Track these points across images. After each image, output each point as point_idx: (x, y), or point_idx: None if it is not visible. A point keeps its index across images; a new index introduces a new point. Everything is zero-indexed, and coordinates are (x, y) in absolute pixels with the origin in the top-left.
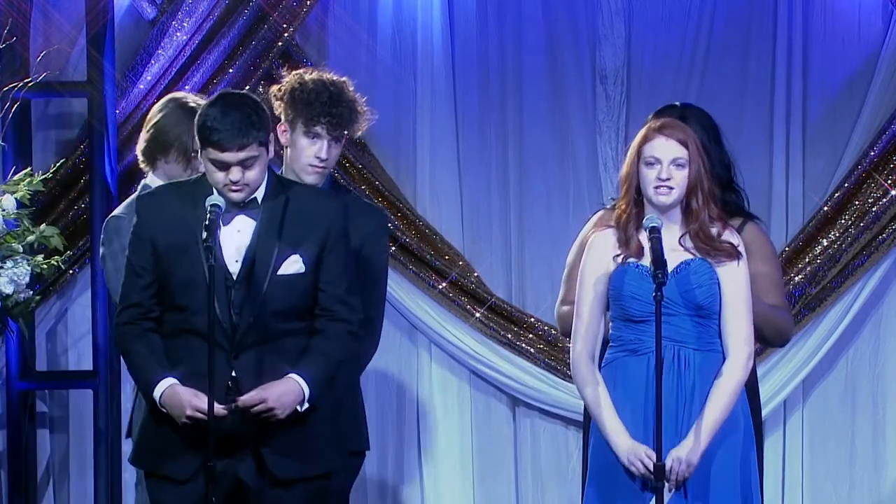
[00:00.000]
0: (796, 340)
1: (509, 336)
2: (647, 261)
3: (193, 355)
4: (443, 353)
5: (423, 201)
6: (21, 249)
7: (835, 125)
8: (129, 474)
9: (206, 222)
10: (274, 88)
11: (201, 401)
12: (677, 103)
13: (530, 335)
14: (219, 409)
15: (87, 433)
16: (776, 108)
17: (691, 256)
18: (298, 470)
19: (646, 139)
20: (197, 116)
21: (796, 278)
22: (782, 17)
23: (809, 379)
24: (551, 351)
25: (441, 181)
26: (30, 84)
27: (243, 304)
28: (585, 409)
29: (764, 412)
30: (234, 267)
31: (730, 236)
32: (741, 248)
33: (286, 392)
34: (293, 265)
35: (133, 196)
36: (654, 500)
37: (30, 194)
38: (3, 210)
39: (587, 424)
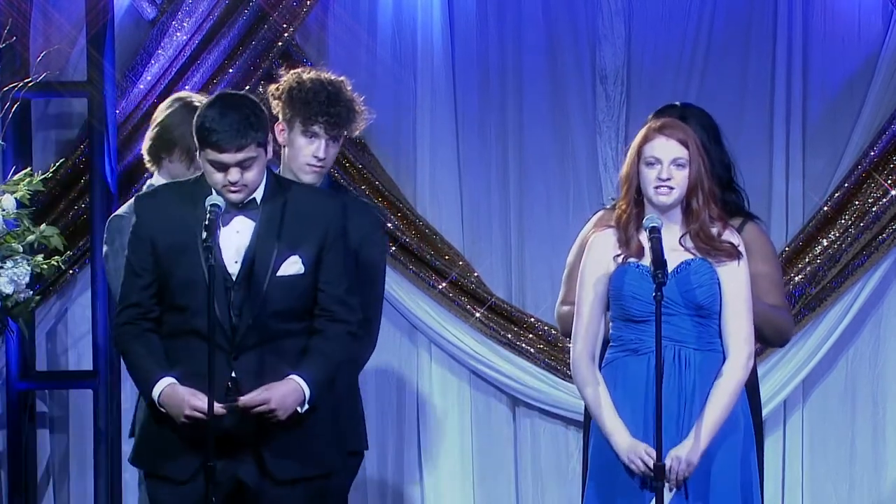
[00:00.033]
0: (796, 340)
1: (509, 336)
2: (647, 261)
3: (193, 356)
4: (443, 353)
5: (423, 201)
6: (21, 249)
7: (835, 125)
8: (129, 474)
9: (206, 222)
10: (272, 88)
11: (200, 400)
12: (677, 103)
13: (530, 335)
14: (218, 407)
15: (87, 433)
16: (776, 108)
17: (691, 256)
18: (298, 470)
19: (646, 139)
20: (195, 117)
21: (796, 278)
22: (782, 17)
23: (809, 379)
24: (551, 351)
25: (441, 181)
26: (30, 84)
27: (243, 305)
28: (586, 409)
29: (764, 412)
30: (234, 268)
31: (730, 236)
32: (741, 248)
33: (288, 394)
34: (292, 266)
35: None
36: (654, 500)
37: (30, 194)
38: (3, 210)
39: (587, 424)
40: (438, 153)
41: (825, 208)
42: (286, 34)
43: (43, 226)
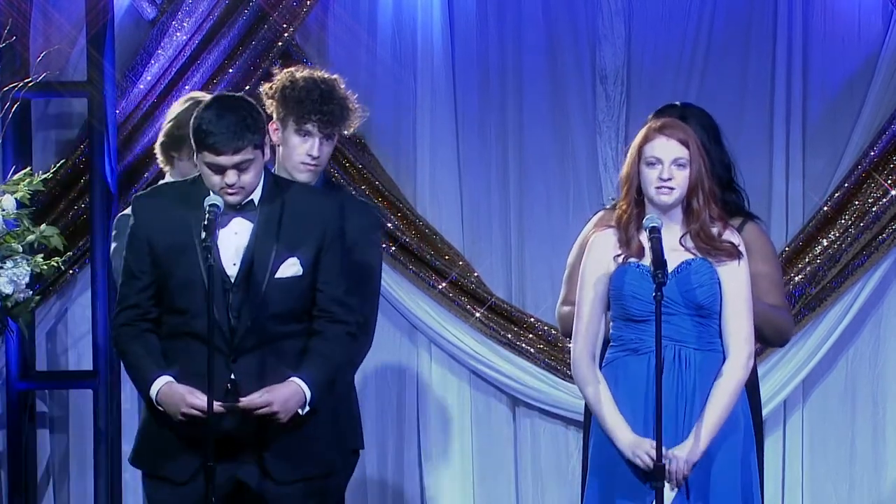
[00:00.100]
0: (796, 340)
1: (509, 336)
2: (647, 261)
3: (192, 358)
4: (443, 353)
5: (423, 201)
6: (21, 249)
7: (835, 125)
8: (129, 474)
9: (205, 222)
10: (265, 87)
11: (197, 398)
12: (677, 103)
13: (530, 335)
14: (217, 406)
15: (87, 433)
16: (776, 108)
17: (692, 256)
18: (299, 472)
19: (646, 139)
20: (192, 119)
21: (796, 278)
22: (782, 17)
23: (809, 379)
24: (551, 351)
25: (441, 181)
26: (30, 84)
27: (241, 307)
28: (586, 408)
29: (764, 412)
30: (232, 270)
31: (730, 236)
32: (742, 248)
33: (290, 396)
34: (291, 268)
35: None
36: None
37: (30, 194)
38: (3, 210)
39: (587, 423)
40: (438, 153)
41: (825, 208)
42: (286, 34)
43: (43, 226)
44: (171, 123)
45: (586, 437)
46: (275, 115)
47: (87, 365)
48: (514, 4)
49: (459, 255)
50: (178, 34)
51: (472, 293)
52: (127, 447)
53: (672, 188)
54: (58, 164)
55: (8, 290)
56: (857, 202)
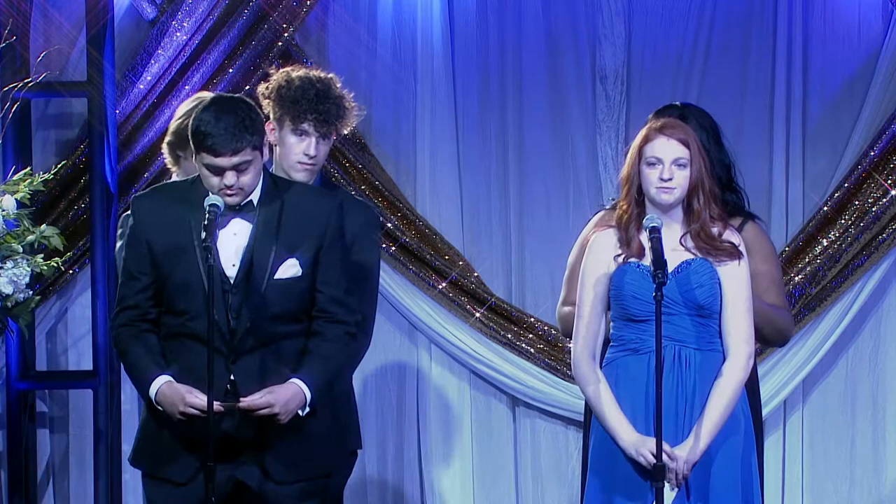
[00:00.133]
0: (796, 340)
1: (509, 336)
2: (648, 260)
3: (191, 358)
4: (443, 353)
5: (423, 201)
6: (21, 250)
7: (835, 125)
8: (129, 474)
9: (205, 222)
10: (261, 87)
11: (196, 397)
12: (677, 103)
13: (530, 335)
14: (216, 406)
15: (87, 433)
16: (776, 108)
17: (692, 256)
18: (299, 472)
19: (647, 139)
20: (190, 121)
21: (796, 278)
22: (782, 17)
23: (809, 379)
24: (551, 351)
25: (441, 181)
26: (30, 84)
27: (241, 308)
28: (586, 407)
29: (764, 412)
30: (231, 271)
31: (731, 236)
32: (742, 248)
33: (291, 398)
34: (290, 269)
35: None
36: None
37: (30, 194)
38: (3, 210)
39: (587, 422)
40: (438, 153)
41: (825, 208)
42: (286, 34)
43: (43, 226)
44: (177, 122)
45: (586, 436)
46: (271, 115)
47: (87, 365)
48: (514, 4)
49: (459, 255)
50: (178, 34)
51: (472, 293)
52: (127, 447)
53: (672, 188)
54: (58, 165)
55: (8, 290)
56: (857, 202)
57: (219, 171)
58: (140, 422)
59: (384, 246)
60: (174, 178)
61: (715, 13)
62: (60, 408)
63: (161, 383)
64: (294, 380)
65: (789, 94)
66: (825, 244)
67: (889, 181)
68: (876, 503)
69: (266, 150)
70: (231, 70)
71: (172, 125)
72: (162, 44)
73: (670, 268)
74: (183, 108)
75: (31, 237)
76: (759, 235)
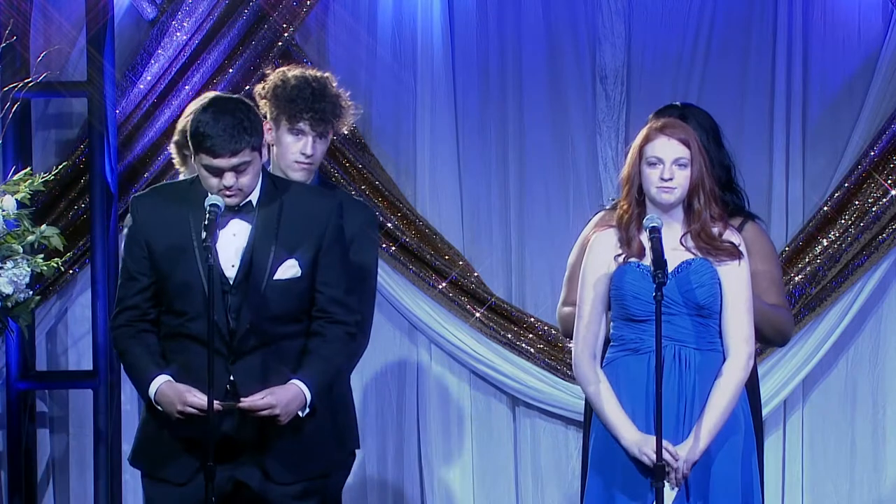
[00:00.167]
0: (796, 340)
1: (509, 336)
2: (648, 260)
3: (191, 359)
4: (443, 353)
5: (423, 201)
6: (21, 250)
7: (835, 125)
8: (129, 474)
9: (206, 222)
10: (258, 87)
11: (194, 395)
12: (677, 103)
13: (530, 335)
14: (216, 405)
15: (87, 433)
16: (776, 108)
17: (692, 256)
18: (300, 473)
19: (647, 139)
20: (189, 122)
21: (796, 278)
22: (782, 17)
23: (809, 379)
24: (551, 351)
25: (441, 181)
26: (30, 84)
27: (240, 308)
28: (586, 407)
29: (764, 412)
30: (231, 272)
31: (731, 236)
32: (742, 248)
33: (292, 400)
34: (290, 270)
35: None
36: (654, 499)
37: (30, 194)
38: (4, 210)
39: (587, 422)
40: (438, 153)
41: (825, 208)
42: (286, 34)
43: (43, 226)
44: (185, 122)
45: (586, 435)
46: (268, 115)
47: (87, 365)
48: (514, 4)
49: (459, 255)
50: (178, 34)
51: (472, 293)
52: (127, 447)
53: (673, 188)
54: (59, 165)
55: (8, 290)
56: (857, 202)
57: (217, 172)
58: (139, 422)
59: (384, 246)
60: (181, 177)
61: (715, 13)
62: (60, 408)
63: (160, 383)
64: (295, 381)
65: (789, 94)
66: (825, 244)
67: (889, 181)
68: (876, 503)
69: (265, 153)
70: (231, 70)
71: (180, 124)
72: (162, 44)
73: (670, 268)
74: (191, 108)
75: (31, 237)
76: (759, 235)
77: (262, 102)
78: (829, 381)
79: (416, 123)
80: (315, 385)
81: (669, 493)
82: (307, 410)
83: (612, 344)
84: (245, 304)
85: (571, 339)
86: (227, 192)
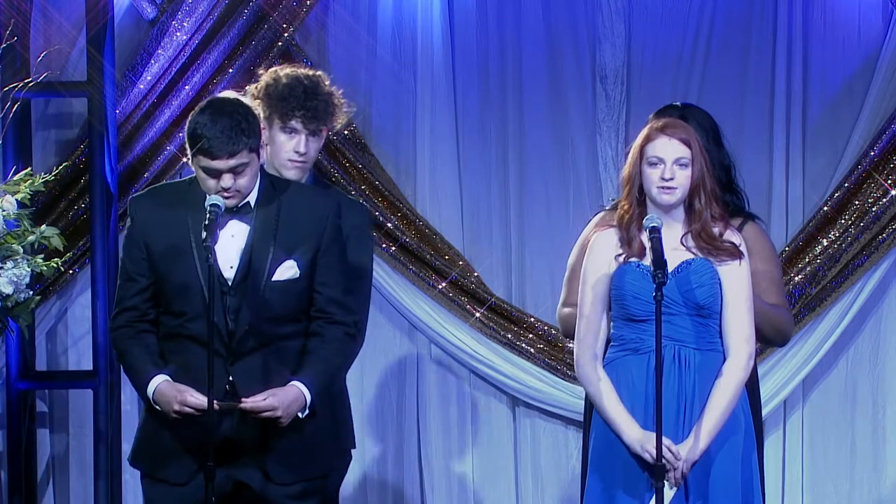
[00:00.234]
0: (796, 340)
1: (509, 336)
2: (648, 260)
3: (190, 360)
4: (443, 353)
5: (423, 201)
6: (21, 250)
7: (835, 125)
8: (129, 474)
9: (206, 222)
10: (251, 87)
11: (193, 396)
12: (678, 103)
13: (530, 335)
14: (215, 404)
15: (87, 433)
16: (776, 108)
17: (692, 256)
18: (299, 473)
19: (648, 139)
20: (187, 123)
21: (796, 278)
22: (782, 17)
23: (809, 379)
24: (551, 351)
25: (441, 181)
26: (30, 84)
27: (239, 309)
28: (586, 406)
29: (764, 412)
30: (229, 273)
31: (731, 236)
32: (743, 248)
33: (293, 401)
34: (288, 271)
35: None
36: (654, 499)
37: (30, 194)
38: (4, 210)
39: (587, 422)
40: (438, 153)
41: (825, 208)
42: (286, 34)
43: (43, 226)
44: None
45: (586, 435)
46: (261, 114)
47: (87, 365)
48: (514, 4)
49: (459, 255)
50: (178, 34)
51: (472, 293)
52: (127, 447)
53: (674, 188)
54: (59, 166)
55: (8, 290)
56: (857, 202)
57: (215, 174)
58: (139, 422)
59: (384, 246)
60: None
61: (715, 13)
62: (60, 408)
63: (159, 382)
64: (295, 382)
65: (789, 94)
66: (825, 244)
67: (889, 181)
68: (876, 503)
69: (263, 154)
70: (231, 70)
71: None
72: (162, 44)
73: (670, 267)
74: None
75: (31, 237)
76: (759, 235)
77: (255, 102)
78: (829, 381)
79: (416, 123)
80: (315, 386)
81: (669, 493)
82: (307, 412)
83: (612, 344)
84: (244, 305)
85: (572, 339)
86: (225, 194)
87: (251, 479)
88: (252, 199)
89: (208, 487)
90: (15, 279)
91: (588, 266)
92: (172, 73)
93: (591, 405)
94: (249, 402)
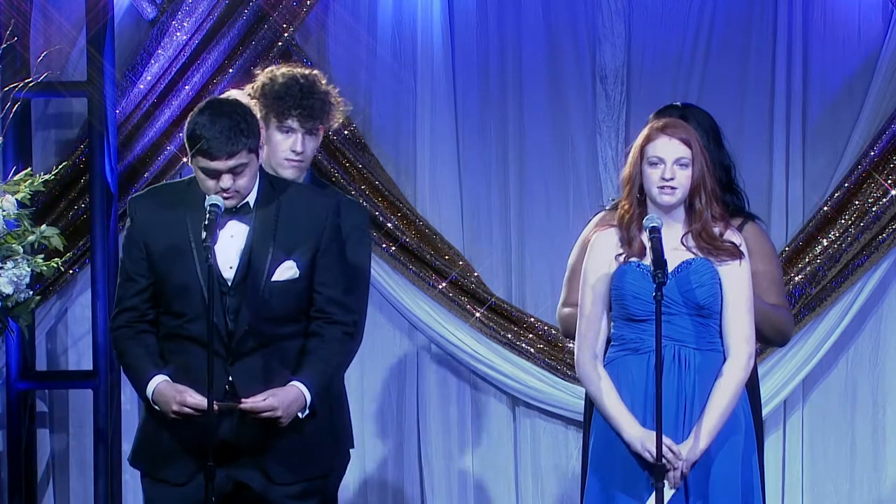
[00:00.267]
0: (796, 340)
1: (509, 336)
2: (648, 260)
3: (189, 360)
4: (443, 353)
5: (423, 201)
6: (21, 250)
7: (835, 125)
8: (129, 474)
9: (206, 222)
10: (248, 87)
11: (191, 396)
12: (678, 103)
13: (530, 335)
14: (214, 404)
15: (86, 433)
16: (776, 108)
17: (692, 256)
18: (300, 474)
19: (649, 139)
20: (186, 124)
21: (796, 278)
22: (782, 17)
23: (809, 379)
24: (551, 351)
25: (441, 181)
26: (30, 84)
27: (239, 310)
28: (585, 406)
29: (764, 412)
30: (229, 273)
31: (732, 236)
32: (743, 248)
33: (293, 402)
34: (288, 271)
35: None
36: (653, 499)
37: (30, 194)
38: (4, 210)
39: (587, 422)
40: (438, 153)
41: (825, 208)
42: (286, 34)
43: (43, 226)
44: None
45: (586, 435)
46: (258, 114)
47: (87, 365)
48: (514, 4)
49: (459, 255)
50: (178, 34)
51: (472, 293)
52: (127, 447)
53: (674, 188)
54: (59, 166)
55: (8, 290)
56: (857, 202)
57: (215, 175)
58: (139, 422)
59: (384, 246)
60: None
61: (715, 13)
62: (60, 408)
63: (158, 382)
64: (295, 382)
65: (789, 94)
66: (825, 244)
67: (889, 181)
68: (876, 503)
69: (262, 154)
70: (231, 70)
71: None
72: (162, 44)
73: (670, 267)
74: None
75: (31, 237)
76: (759, 235)
77: (252, 102)
78: (829, 381)
79: (416, 123)
80: (315, 386)
81: (668, 493)
82: (307, 412)
83: (612, 344)
84: (243, 306)
85: (572, 339)
86: (225, 194)
87: (251, 480)
88: (251, 199)
89: (208, 487)
90: (15, 279)
91: (588, 266)
92: (172, 73)
93: (591, 405)
94: (249, 403)
